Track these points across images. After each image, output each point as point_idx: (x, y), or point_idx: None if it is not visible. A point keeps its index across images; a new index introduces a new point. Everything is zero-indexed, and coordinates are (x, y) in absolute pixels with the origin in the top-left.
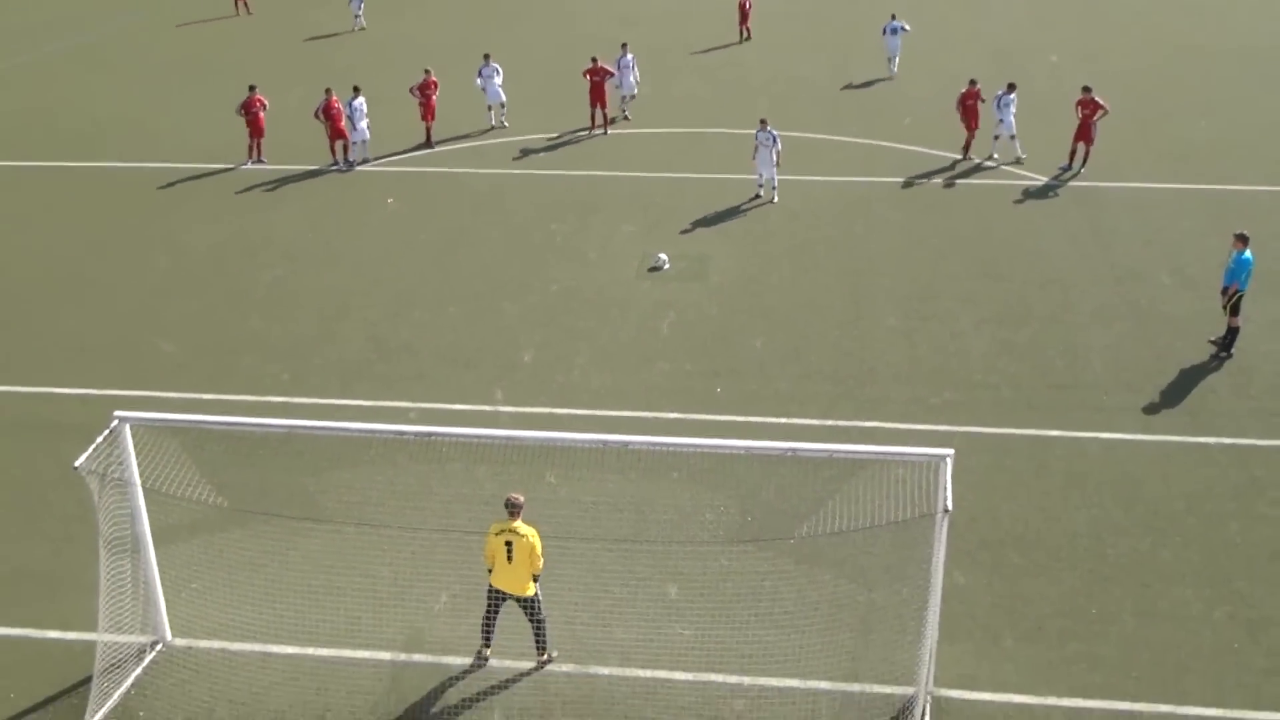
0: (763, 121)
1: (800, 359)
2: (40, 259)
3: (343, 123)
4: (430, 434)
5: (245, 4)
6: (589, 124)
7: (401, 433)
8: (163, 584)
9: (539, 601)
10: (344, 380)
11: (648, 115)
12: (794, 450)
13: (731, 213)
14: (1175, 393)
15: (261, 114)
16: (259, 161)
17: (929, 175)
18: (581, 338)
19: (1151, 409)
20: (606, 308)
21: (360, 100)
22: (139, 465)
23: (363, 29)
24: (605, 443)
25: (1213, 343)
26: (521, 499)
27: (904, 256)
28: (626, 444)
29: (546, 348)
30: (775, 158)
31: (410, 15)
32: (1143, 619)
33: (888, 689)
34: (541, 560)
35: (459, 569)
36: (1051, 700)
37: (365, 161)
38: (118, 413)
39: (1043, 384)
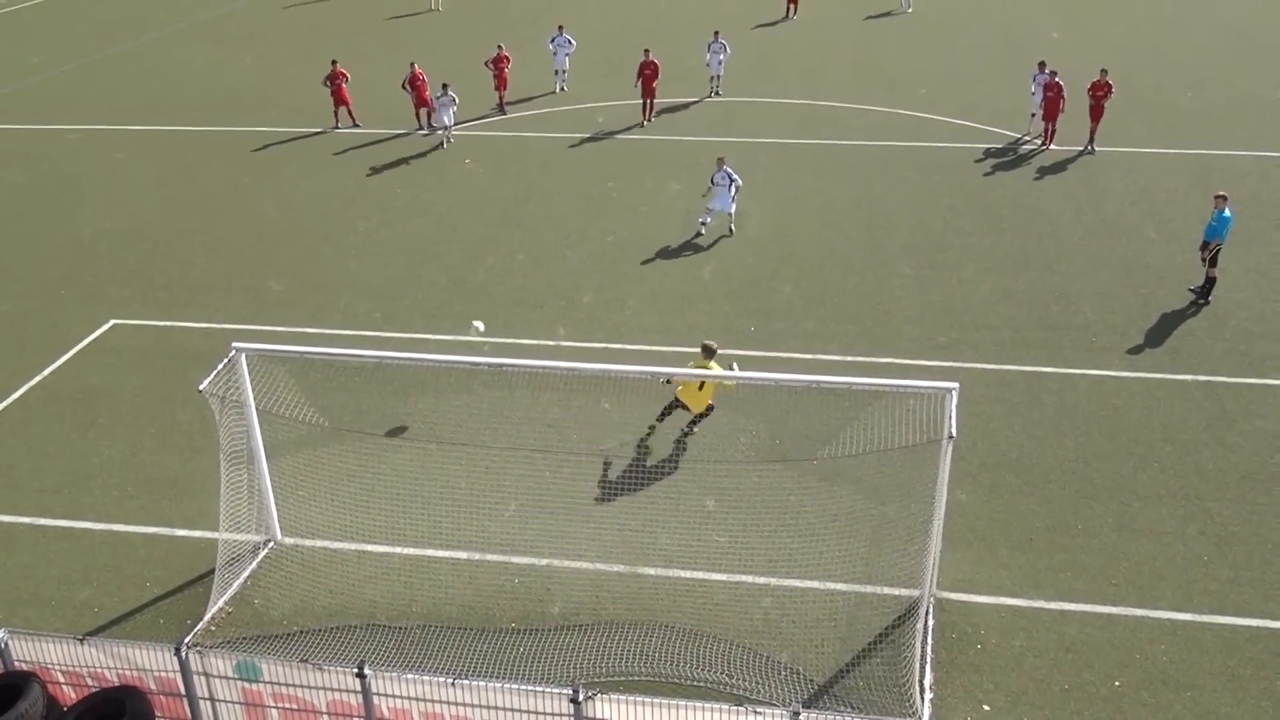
0: (720, 160)
1: (824, 302)
2: (170, 212)
3: (427, 92)
4: (501, 365)
5: None
6: (641, 115)
7: (476, 364)
8: (274, 491)
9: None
10: (427, 317)
11: (695, 87)
12: (817, 382)
13: (765, 173)
14: (1157, 335)
15: (344, 84)
16: (354, 126)
17: (941, 140)
18: (633, 282)
19: (1135, 349)
20: (655, 256)
21: (449, 94)
22: (253, 388)
23: (438, 10)
24: (653, 374)
25: (1192, 291)
26: (715, 345)
27: (917, 212)
28: (671, 375)
29: (603, 290)
30: (733, 193)
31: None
32: (1122, 533)
33: (896, 590)
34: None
35: (526, 481)
36: (1040, 603)
37: (450, 142)
38: (235, 344)
39: (1038, 325)
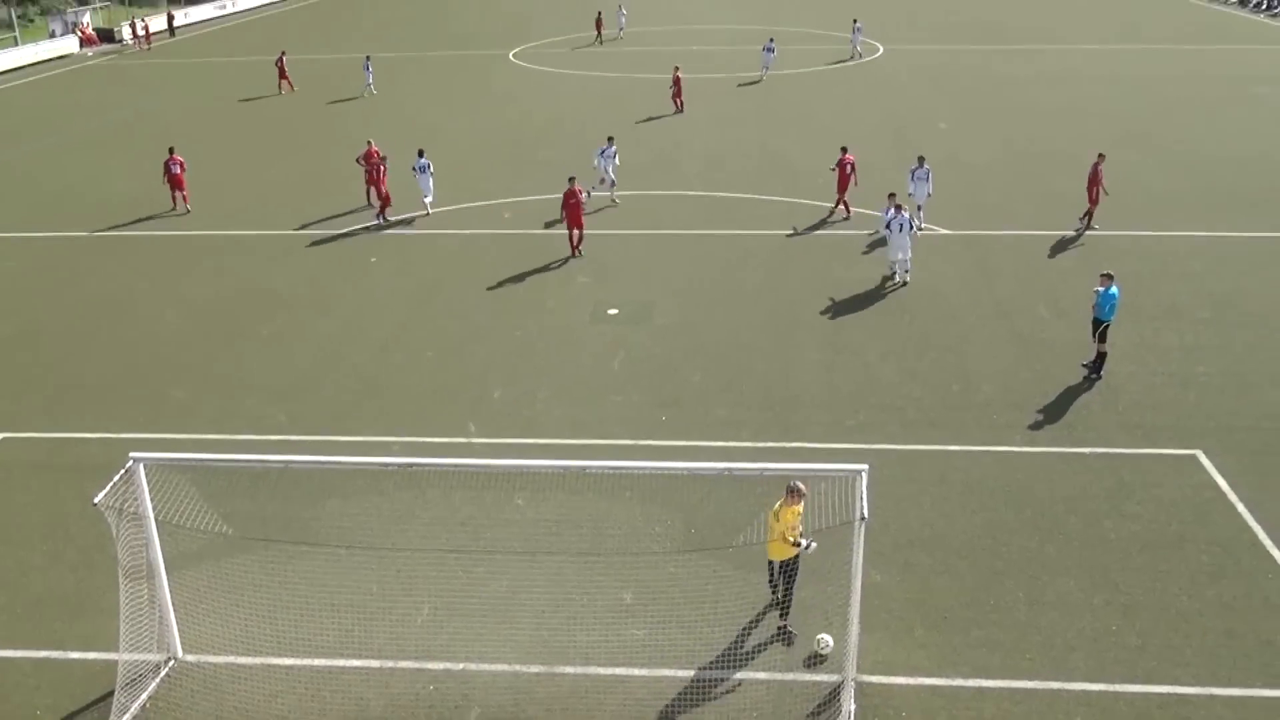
0: (897, 201)
1: (734, 389)
2: (63, 319)
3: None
4: (412, 464)
5: (289, 82)
6: (570, 246)
7: (386, 464)
8: (175, 606)
9: (796, 568)
10: (335, 418)
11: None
12: (730, 470)
13: (671, 264)
14: (1054, 410)
15: (179, 172)
16: (185, 211)
17: (838, 227)
18: (543, 375)
19: (1035, 425)
20: (565, 349)
21: (425, 160)
22: (152, 499)
23: (373, 94)
24: (566, 468)
25: (1085, 366)
26: (802, 484)
27: (821, 298)
28: (585, 468)
29: (513, 385)
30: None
31: (410, 84)
32: (1033, 607)
33: (817, 676)
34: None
35: (439, 584)
36: (958, 681)
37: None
38: (133, 453)
39: (942, 405)
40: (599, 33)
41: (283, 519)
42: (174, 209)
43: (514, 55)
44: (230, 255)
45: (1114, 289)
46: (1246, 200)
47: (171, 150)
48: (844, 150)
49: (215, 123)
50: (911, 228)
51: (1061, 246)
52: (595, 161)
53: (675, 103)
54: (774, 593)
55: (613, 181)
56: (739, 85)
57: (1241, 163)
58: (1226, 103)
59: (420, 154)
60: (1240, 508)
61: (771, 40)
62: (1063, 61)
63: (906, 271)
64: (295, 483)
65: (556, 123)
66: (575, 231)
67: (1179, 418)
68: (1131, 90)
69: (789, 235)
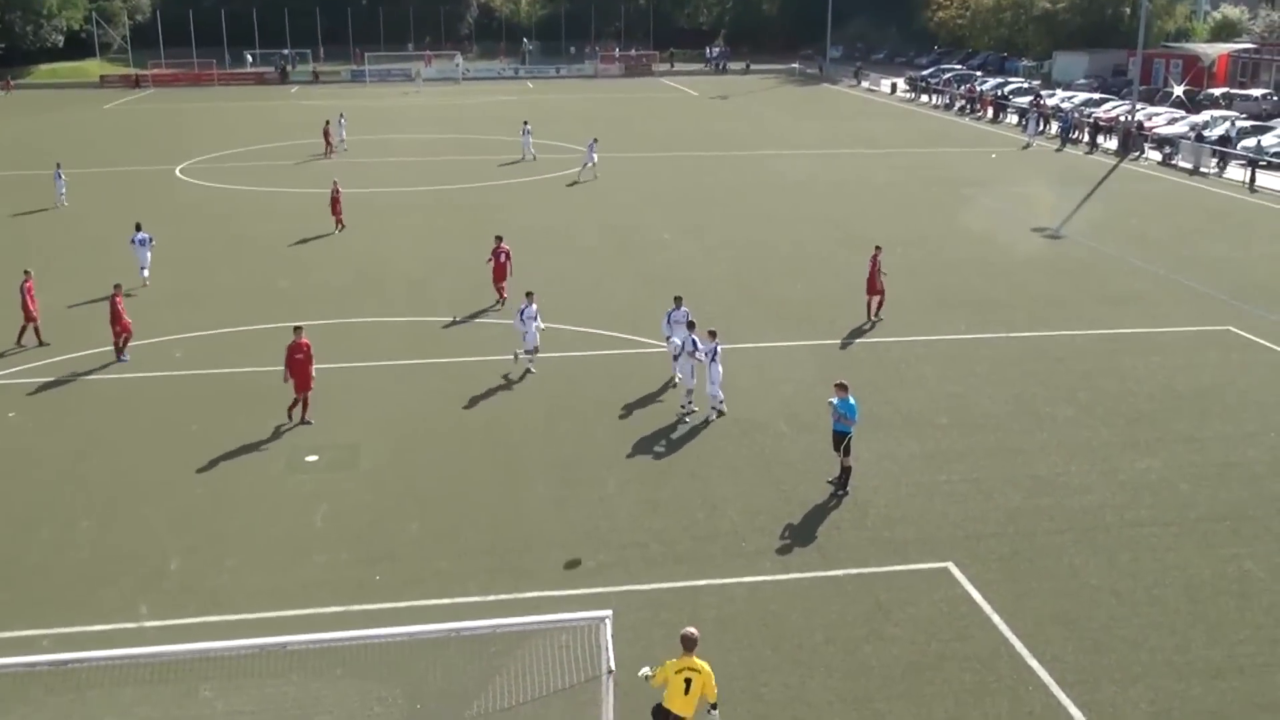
0: (712, 333)
1: (457, 537)
2: None
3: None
4: (66, 661)
5: None
6: (289, 413)
7: (33, 664)
8: None
9: None
10: None
11: (272, 312)
12: (458, 630)
13: (376, 399)
14: (804, 532)
15: None
16: None
17: (564, 349)
18: (231, 538)
19: (785, 550)
20: (256, 505)
21: (144, 234)
22: None
23: (65, 205)
24: (262, 646)
25: (830, 483)
26: (697, 633)
27: (549, 429)
28: (285, 645)
29: (194, 552)
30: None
31: (107, 197)
32: None
33: None
34: (715, 690)
35: None
36: None
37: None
38: None
39: (687, 537)
40: (328, 144)
41: None
42: None
43: (181, 171)
44: None
45: (851, 399)
46: (966, 303)
47: None
48: (499, 239)
49: None
50: (701, 352)
51: (795, 357)
52: (515, 323)
53: (335, 219)
54: None
55: (535, 348)
56: (441, 199)
57: (955, 266)
58: (941, 205)
59: (138, 228)
60: (996, 619)
61: (594, 140)
62: (788, 166)
63: (721, 402)
64: None
65: (233, 244)
66: (304, 394)
67: (927, 529)
68: (854, 194)
69: (445, 325)
